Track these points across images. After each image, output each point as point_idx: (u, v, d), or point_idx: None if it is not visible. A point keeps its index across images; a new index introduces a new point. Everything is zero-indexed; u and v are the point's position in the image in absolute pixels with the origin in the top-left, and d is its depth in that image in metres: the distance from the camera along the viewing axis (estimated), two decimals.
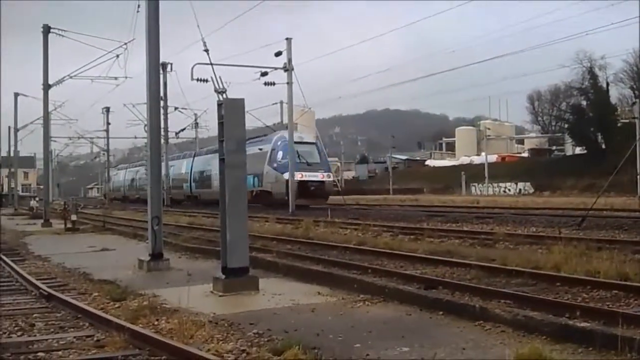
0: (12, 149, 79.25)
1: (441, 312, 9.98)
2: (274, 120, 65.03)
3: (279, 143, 49.99)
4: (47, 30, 38.03)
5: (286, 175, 45.25)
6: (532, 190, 79.06)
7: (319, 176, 48.86)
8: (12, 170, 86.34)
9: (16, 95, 64.23)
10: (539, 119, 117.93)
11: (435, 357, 7.49)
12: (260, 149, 50.81)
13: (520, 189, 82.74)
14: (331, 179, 52.28)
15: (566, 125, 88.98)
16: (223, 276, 12.67)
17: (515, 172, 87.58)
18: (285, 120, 51.34)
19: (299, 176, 45.91)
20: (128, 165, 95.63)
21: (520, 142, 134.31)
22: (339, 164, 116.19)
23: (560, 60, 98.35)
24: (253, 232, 20.24)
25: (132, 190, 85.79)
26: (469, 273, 13.44)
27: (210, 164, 57.51)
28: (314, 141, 52.74)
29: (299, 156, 47.03)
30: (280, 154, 49.37)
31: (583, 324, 8.45)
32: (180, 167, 69.67)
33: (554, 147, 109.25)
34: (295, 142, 46.03)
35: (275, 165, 49.58)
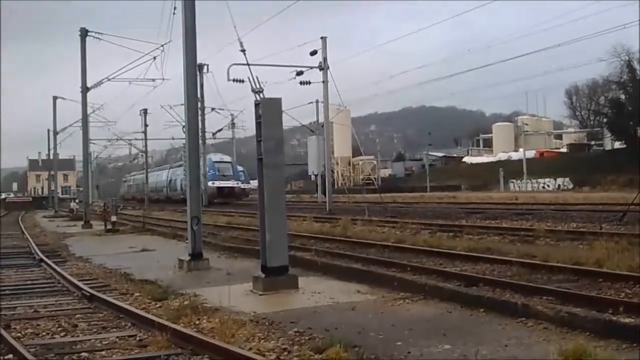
0: (52, 151, 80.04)
1: (482, 310, 9.93)
2: (310, 119, 65.20)
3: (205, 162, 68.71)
4: (84, 33, 38.50)
5: (209, 183, 63.11)
6: (571, 186, 78.04)
7: (230, 184, 67.35)
8: (52, 172, 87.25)
9: (55, 98, 64.75)
10: (577, 113, 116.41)
11: (478, 355, 7.44)
12: None
13: (559, 185, 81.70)
14: (240, 185, 69.16)
15: (605, 120, 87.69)
16: (263, 275, 12.72)
17: (554, 167, 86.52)
18: (321, 119, 51.71)
19: (217, 184, 65.14)
20: (135, 173, 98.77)
21: (559, 137, 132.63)
22: (375, 162, 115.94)
23: (598, 53, 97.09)
24: (291, 231, 20.28)
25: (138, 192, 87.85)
26: (510, 270, 13.35)
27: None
28: (230, 160, 71.57)
29: (218, 170, 66.36)
30: (205, 169, 66.32)
31: (627, 320, 8.38)
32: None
33: (592, 142, 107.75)
34: (216, 162, 67.37)
35: None
